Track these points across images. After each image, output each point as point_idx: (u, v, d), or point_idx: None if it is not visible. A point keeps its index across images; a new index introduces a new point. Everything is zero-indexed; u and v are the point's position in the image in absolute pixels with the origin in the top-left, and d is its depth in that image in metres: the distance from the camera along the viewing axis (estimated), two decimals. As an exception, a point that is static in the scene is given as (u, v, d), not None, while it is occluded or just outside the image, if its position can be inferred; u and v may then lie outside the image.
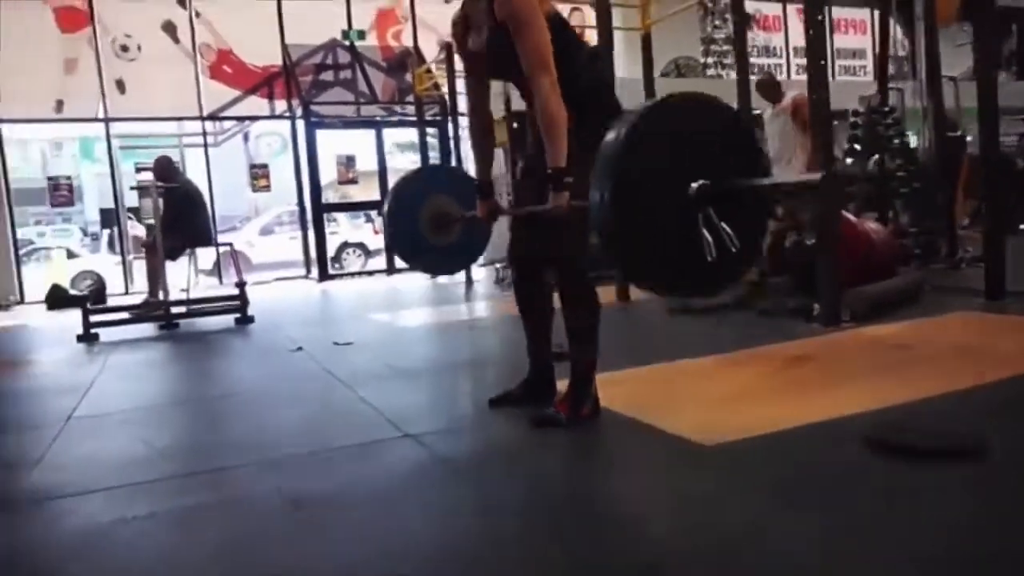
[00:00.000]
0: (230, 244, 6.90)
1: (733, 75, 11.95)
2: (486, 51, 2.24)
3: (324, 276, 9.08)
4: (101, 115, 8.71)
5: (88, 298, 6.46)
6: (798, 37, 12.72)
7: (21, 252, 12.16)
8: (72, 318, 5.55)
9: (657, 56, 11.37)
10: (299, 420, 2.61)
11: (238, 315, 5.31)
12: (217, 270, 9.68)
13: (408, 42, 10.24)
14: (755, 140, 1.94)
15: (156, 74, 8.90)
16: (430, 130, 9.33)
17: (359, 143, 10.04)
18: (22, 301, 8.18)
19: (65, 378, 3.68)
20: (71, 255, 11.68)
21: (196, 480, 2.00)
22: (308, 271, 9.72)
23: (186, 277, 6.45)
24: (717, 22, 11.93)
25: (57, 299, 7.36)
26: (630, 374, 2.83)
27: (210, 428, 2.64)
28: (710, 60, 11.89)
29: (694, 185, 1.75)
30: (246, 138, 17.25)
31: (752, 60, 12.47)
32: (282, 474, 1.99)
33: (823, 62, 3.61)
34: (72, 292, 7.55)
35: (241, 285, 5.48)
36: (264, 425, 2.55)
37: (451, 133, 8.03)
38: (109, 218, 12.69)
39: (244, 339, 4.72)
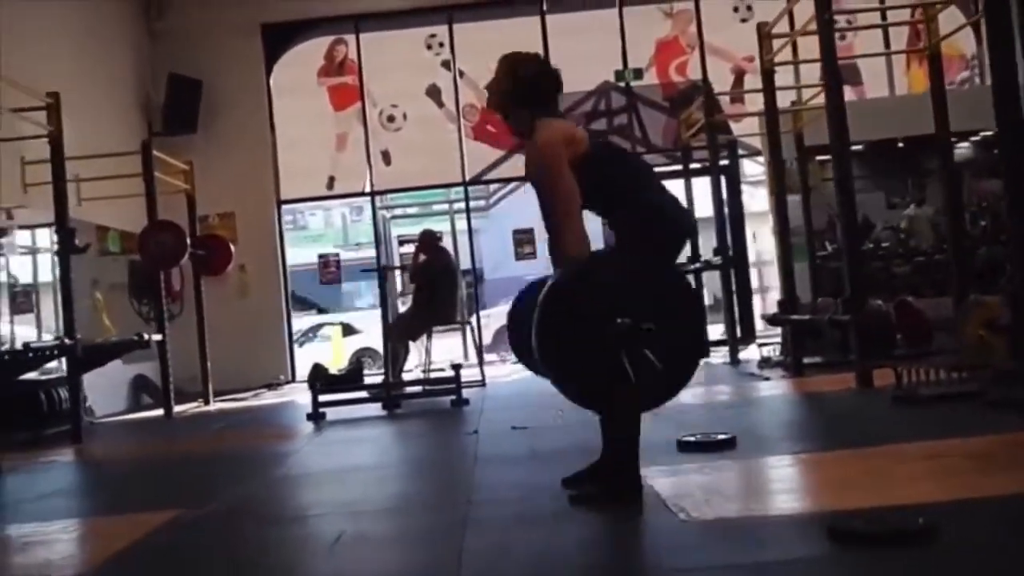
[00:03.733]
0: (467, 323, 8.67)
1: None
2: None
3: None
4: (368, 188, 11.40)
5: (344, 378, 8.68)
6: None
7: (309, 327, 15.67)
8: (328, 398, 7.60)
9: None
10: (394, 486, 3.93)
11: (453, 398, 6.90)
12: (473, 351, 11.69)
13: (695, 74, 11.45)
14: (684, 285, 2.81)
15: (420, 141, 11.38)
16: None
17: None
18: (293, 380, 10.96)
19: (274, 449, 5.52)
20: (349, 331, 14.80)
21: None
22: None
23: (424, 358, 8.34)
24: None
25: (317, 378, 9.82)
26: (753, 462, 3.63)
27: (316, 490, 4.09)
28: None
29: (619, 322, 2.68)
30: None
31: None
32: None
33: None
34: (333, 371, 9.99)
35: (457, 367, 7.09)
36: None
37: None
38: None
39: (442, 422, 6.26)
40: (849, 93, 11.10)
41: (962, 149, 10.92)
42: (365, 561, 2.85)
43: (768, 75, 6.99)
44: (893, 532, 2.50)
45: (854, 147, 10.82)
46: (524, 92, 3.27)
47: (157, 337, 8.20)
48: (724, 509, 3.01)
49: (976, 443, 3.69)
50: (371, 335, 15.31)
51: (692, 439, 4.10)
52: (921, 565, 2.28)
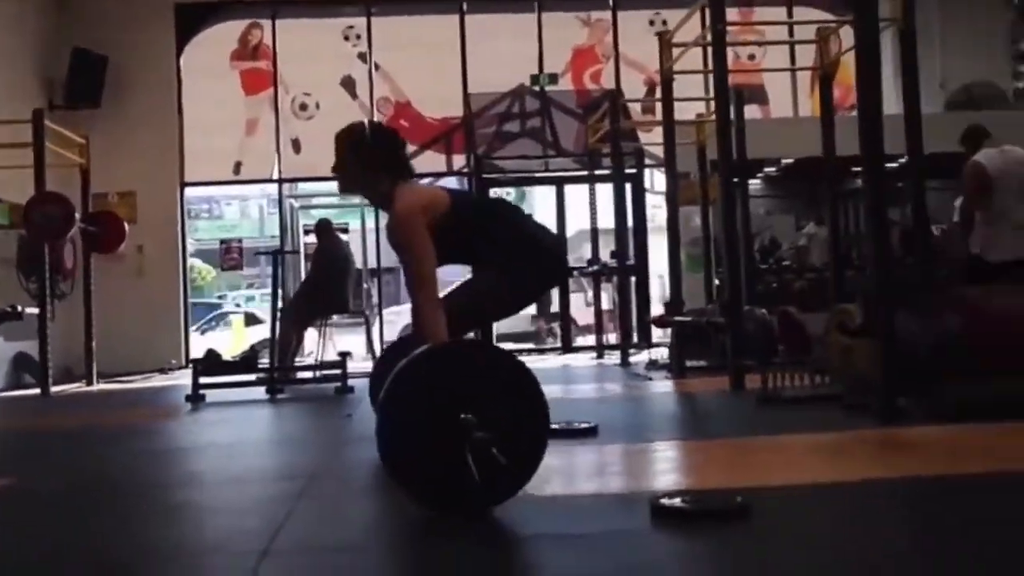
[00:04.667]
0: (363, 313, 8.59)
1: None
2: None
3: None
4: (276, 175, 11.22)
5: (232, 363, 8.50)
6: None
7: (212, 315, 15.36)
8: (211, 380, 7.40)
9: (950, 80, 11.38)
10: (262, 458, 3.85)
11: (338, 384, 6.81)
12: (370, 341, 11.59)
13: (609, 84, 11.58)
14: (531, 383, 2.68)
15: (331, 132, 11.22)
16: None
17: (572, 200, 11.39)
18: (185, 366, 10.70)
19: (142, 426, 5.37)
20: (253, 320, 14.56)
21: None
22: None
23: (319, 345, 8.25)
24: (1041, 32, 11.58)
25: (208, 364, 9.61)
26: (606, 448, 3.66)
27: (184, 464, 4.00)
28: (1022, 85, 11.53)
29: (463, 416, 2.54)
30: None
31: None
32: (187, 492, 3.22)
33: None
34: (226, 359, 9.78)
35: (344, 354, 7.01)
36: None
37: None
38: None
39: (322, 406, 6.18)
40: (755, 112, 11.45)
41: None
42: (194, 527, 2.78)
43: (667, 84, 7.09)
44: (708, 509, 2.55)
45: (768, 169, 11.29)
46: (376, 160, 3.19)
47: (32, 310, 7.91)
48: (560, 487, 3.02)
49: (821, 439, 3.80)
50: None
51: (554, 426, 4.10)
52: (731, 538, 2.33)
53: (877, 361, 4.15)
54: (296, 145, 11.21)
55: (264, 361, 9.17)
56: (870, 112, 4.25)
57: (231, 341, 12.87)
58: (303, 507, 2.84)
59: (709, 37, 6.10)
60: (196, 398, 6.67)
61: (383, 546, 2.51)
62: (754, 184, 10.48)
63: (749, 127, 8.48)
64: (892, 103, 11.50)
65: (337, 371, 6.93)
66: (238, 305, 19.28)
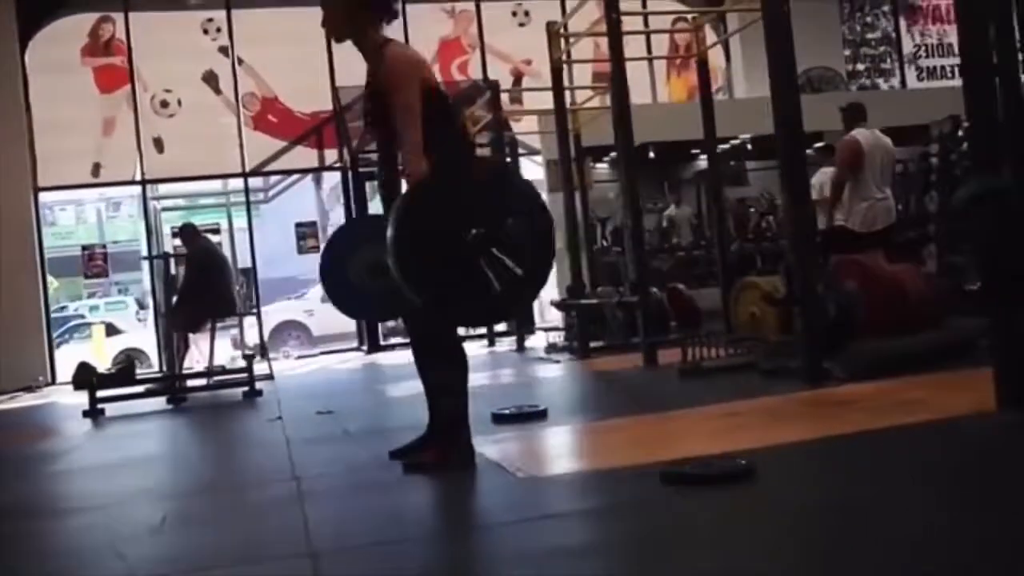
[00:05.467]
0: (255, 313, 8.38)
1: (894, 83, 12.54)
2: (369, 103, 3.32)
3: (374, 347, 10.43)
4: (138, 177, 10.69)
5: (98, 378, 8.07)
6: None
7: (65, 328, 14.47)
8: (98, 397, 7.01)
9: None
10: (220, 467, 3.75)
11: (246, 389, 6.63)
12: (260, 345, 11.29)
13: (476, 74, 11.68)
14: (525, 186, 2.90)
15: (196, 129, 10.84)
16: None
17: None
18: (53, 382, 10.08)
19: (50, 447, 5.08)
20: (113, 331, 13.82)
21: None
22: (360, 342, 11.12)
23: (208, 350, 7.96)
24: (868, 18, 12.51)
25: (84, 378, 9.09)
26: (564, 428, 3.76)
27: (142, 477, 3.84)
28: (860, 67, 12.42)
29: (473, 232, 2.74)
30: (318, 184, 19.46)
31: (923, 62, 12.99)
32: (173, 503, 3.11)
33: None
34: (102, 371, 9.27)
35: (249, 358, 6.83)
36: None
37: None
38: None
39: (239, 412, 6.01)
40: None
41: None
42: (205, 538, 2.69)
43: (557, 73, 7.26)
44: (720, 473, 2.70)
45: (612, 153, 11.67)
46: (363, 8, 3.16)
47: None
48: (552, 467, 3.12)
49: (761, 403, 4.05)
50: (135, 335, 14.42)
51: (507, 411, 4.19)
52: (747, 499, 2.50)
53: (801, 327, 4.45)
54: (159, 144, 10.72)
55: (144, 373, 8.84)
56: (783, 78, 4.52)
57: (92, 353, 12.15)
58: (315, 508, 2.81)
59: (601, 27, 6.29)
60: (95, 413, 6.34)
61: (421, 538, 2.52)
62: (601, 168, 10.81)
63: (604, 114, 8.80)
64: (740, 88, 12.25)
65: (241, 375, 6.76)
66: (82, 316, 18.22)
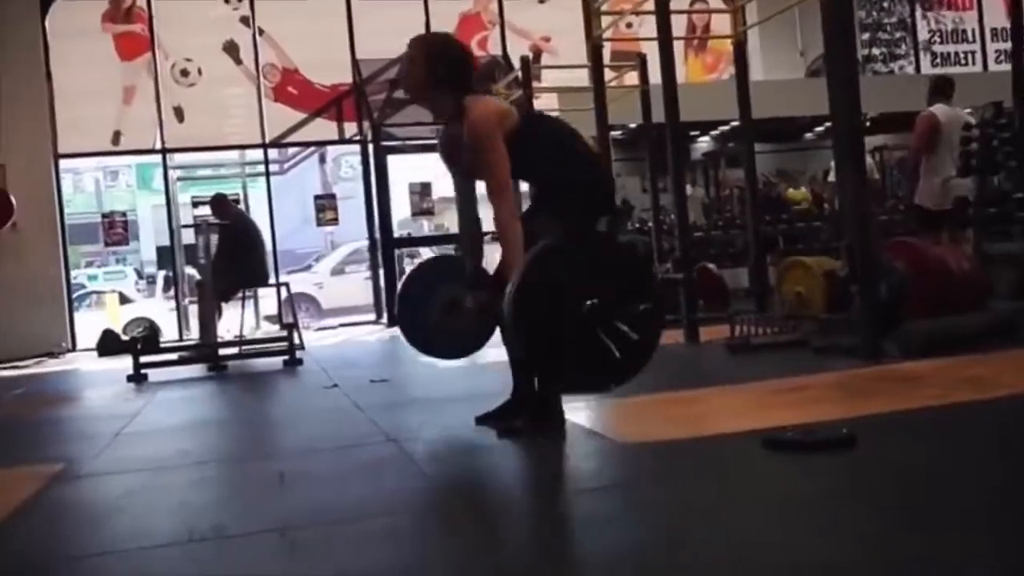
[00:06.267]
0: (285, 284, 8.44)
1: (908, 69, 12.66)
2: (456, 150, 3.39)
3: (394, 321, 10.51)
4: (158, 146, 10.69)
5: (139, 343, 8.15)
6: (995, 16, 13.17)
7: (73, 296, 14.46)
8: (124, 364, 7.13)
9: (811, 48, 12.21)
10: (308, 430, 3.85)
11: (286, 357, 6.71)
12: (279, 315, 11.35)
13: (496, 50, 11.72)
14: (644, 264, 3.01)
15: (216, 99, 10.83)
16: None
17: (438, 168, 11.50)
18: (74, 348, 10.13)
19: (117, 408, 5.16)
20: (124, 300, 13.85)
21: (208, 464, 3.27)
22: (379, 315, 11.19)
23: (239, 320, 8.03)
24: (885, 3, 12.62)
25: (109, 345, 9.17)
26: (642, 399, 3.88)
27: (234, 437, 3.94)
28: (876, 52, 12.56)
29: (588, 303, 2.83)
30: (322, 160, 19.45)
31: (937, 48, 13.11)
32: (280, 462, 3.21)
33: None
34: (124, 338, 9.34)
35: (289, 326, 6.92)
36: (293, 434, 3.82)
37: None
38: (166, 258, 14.93)
39: (288, 379, 6.11)
40: (634, 79, 11.89)
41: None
42: (331, 493, 2.79)
43: (597, 51, 7.33)
44: (822, 440, 2.84)
45: (614, 132, 11.73)
46: (447, 75, 3.26)
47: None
48: (650, 433, 3.23)
49: (826, 378, 4.18)
50: (143, 305, 14.46)
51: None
52: (852, 464, 2.64)
53: (860, 305, 4.58)
54: (179, 113, 10.71)
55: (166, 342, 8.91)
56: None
57: (108, 322, 12.18)
58: (431, 468, 2.91)
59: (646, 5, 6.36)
60: (139, 378, 6.43)
61: (546, 496, 2.64)
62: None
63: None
64: (757, 71, 12.35)
65: (282, 344, 6.85)
66: (83, 286, 18.18)
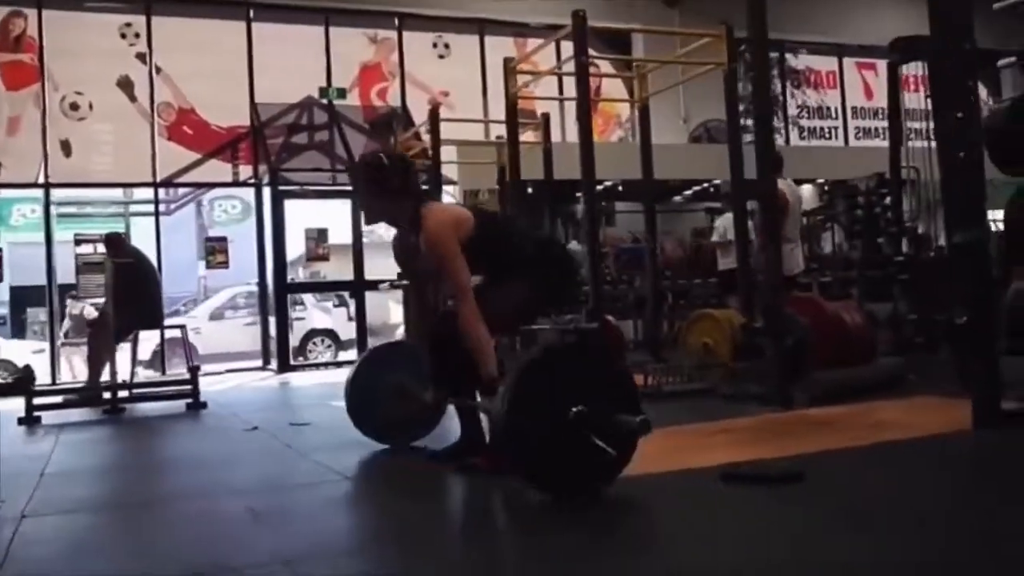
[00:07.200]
0: (181, 326, 8.23)
1: (780, 141, 13.55)
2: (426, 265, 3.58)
3: (285, 367, 10.34)
4: (41, 179, 10.26)
5: (15, 386, 7.74)
6: (855, 95, 14.31)
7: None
8: (7, 406, 6.74)
9: (694, 115, 12.89)
10: (255, 469, 3.82)
11: (190, 400, 6.54)
12: (160, 359, 10.98)
13: (395, 101, 11.88)
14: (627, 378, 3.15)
15: (106, 135, 10.53)
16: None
17: (333, 215, 11.48)
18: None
19: (26, 449, 4.92)
20: (-16, 342, 13.05)
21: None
22: (267, 362, 10.98)
23: (130, 361, 7.76)
24: (760, 79, 13.50)
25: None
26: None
27: (180, 476, 3.85)
28: (748, 123, 13.36)
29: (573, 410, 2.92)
30: (199, 204, 19.00)
31: (803, 123, 14.13)
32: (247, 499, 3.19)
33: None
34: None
35: (194, 369, 6.75)
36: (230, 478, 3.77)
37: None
38: (30, 297, 14.17)
39: (198, 422, 5.96)
40: (532, 136, 12.26)
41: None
42: (314, 527, 2.80)
43: (512, 108, 7.57)
44: (775, 475, 3.06)
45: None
46: (402, 184, 3.47)
47: None
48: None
49: (745, 422, 4.46)
50: (4, 347, 13.63)
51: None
52: (803, 495, 2.87)
53: (771, 356, 4.91)
54: (66, 147, 10.34)
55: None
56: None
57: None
58: (384, 506, 2.97)
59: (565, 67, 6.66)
60: (31, 420, 6.12)
61: (517, 531, 2.74)
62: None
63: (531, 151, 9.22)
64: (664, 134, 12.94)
65: (185, 387, 6.67)
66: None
